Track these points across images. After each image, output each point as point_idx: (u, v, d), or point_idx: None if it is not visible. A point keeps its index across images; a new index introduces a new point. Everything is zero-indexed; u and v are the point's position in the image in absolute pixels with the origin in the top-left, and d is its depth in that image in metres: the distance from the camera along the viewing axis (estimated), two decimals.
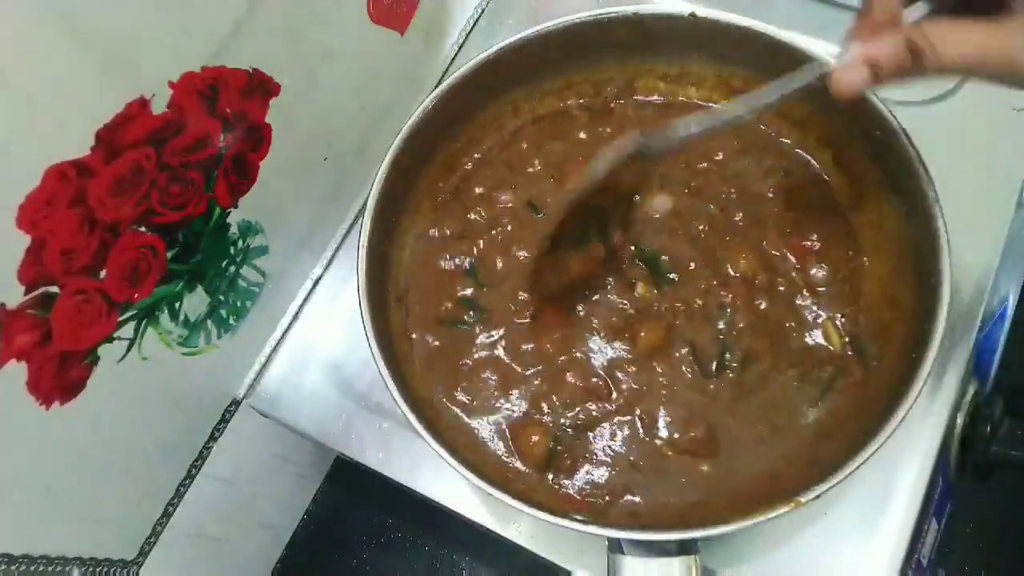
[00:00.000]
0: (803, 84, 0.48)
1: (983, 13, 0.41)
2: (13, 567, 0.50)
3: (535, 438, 0.57)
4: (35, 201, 0.44)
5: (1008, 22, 0.41)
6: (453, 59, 0.79)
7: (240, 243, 0.61)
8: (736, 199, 0.63)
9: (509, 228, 0.64)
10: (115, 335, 0.53)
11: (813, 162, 0.63)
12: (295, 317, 0.71)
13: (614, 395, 0.58)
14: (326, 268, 0.73)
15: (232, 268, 0.62)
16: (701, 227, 0.62)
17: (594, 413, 0.58)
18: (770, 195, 0.63)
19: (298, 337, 0.71)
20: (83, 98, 0.45)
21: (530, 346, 0.60)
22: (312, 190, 0.68)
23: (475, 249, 0.64)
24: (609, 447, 0.57)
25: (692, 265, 0.61)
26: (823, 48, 0.56)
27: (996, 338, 0.69)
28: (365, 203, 0.58)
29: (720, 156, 0.65)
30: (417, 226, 0.64)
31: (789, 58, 0.59)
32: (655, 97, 0.67)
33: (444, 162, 0.65)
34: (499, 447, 0.58)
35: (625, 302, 0.60)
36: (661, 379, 0.58)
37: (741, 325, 0.59)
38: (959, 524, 0.90)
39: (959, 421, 0.61)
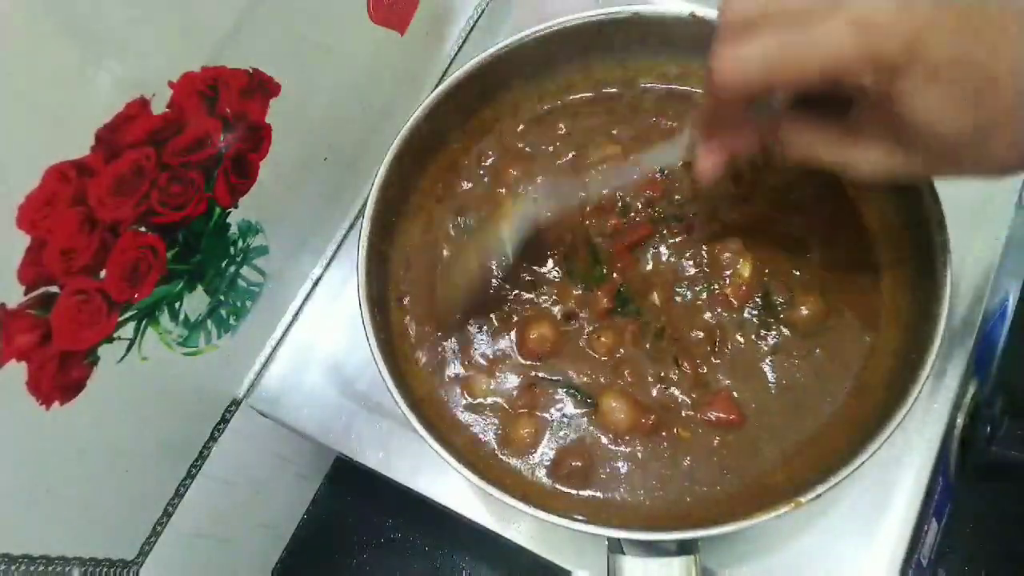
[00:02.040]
0: (666, 163, 0.56)
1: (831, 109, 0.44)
2: (13, 567, 0.50)
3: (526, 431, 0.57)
4: (35, 201, 0.44)
5: (850, 136, 0.44)
6: (453, 59, 0.79)
7: (240, 243, 0.61)
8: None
9: None
10: (115, 335, 0.53)
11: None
12: (295, 317, 0.71)
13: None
14: (326, 268, 0.73)
15: (232, 268, 0.62)
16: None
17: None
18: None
19: (298, 337, 0.71)
20: (83, 98, 0.45)
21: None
22: (312, 190, 0.68)
23: None
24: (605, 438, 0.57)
25: (691, 263, 0.61)
26: None
27: (996, 338, 0.69)
28: (365, 203, 0.58)
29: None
30: (417, 226, 0.64)
31: None
32: (655, 84, 0.67)
33: (444, 162, 0.65)
34: (500, 446, 0.58)
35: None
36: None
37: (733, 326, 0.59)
38: (959, 524, 0.90)
39: (959, 421, 0.61)
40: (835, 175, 0.61)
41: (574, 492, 0.56)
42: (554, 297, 0.61)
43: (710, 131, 0.48)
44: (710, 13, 0.60)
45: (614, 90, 0.67)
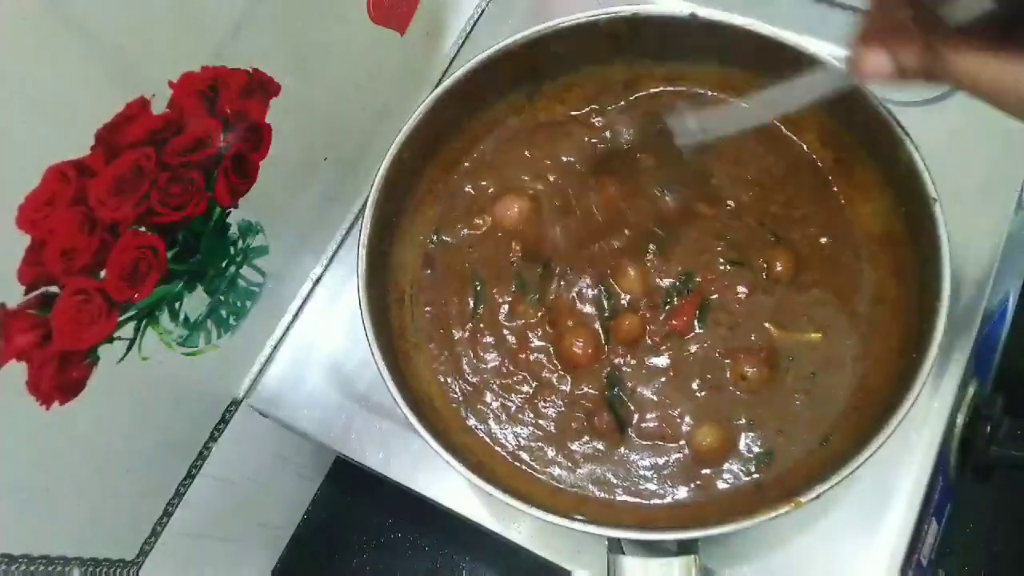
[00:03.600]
0: (826, 90, 0.48)
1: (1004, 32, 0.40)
2: (13, 567, 0.50)
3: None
4: (35, 201, 0.44)
5: (1017, 58, 0.39)
6: (453, 59, 0.79)
7: (240, 243, 0.61)
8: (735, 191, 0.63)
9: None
10: (115, 335, 0.53)
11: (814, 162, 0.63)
12: (295, 317, 0.71)
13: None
14: (326, 268, 0.73)
15: (232, 268, 0.62)
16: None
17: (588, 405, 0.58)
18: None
19: (298, 337, 0.71)
20: (83, 98, 0.45)
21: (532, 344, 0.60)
22: (312, 190, 0.68)
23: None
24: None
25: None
26: (823, 48, 0.56)
27: (996, 338, 0.69)
28: (365, 203, 0.58)
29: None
30: (417, 226, 0.64)
31: (790, 58, 0.59)
32: (655, 84, 0.67)
33: (444, 162, 0.65)
34: (500, 446, 0.58)
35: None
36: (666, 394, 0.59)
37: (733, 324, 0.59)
38: (959, 524, 0.90)
39: (959, 421, 0.61)
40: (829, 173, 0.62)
41: (577, 489, 0.56)
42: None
43: (869, 39, 0.43)
44: (711, 13, 0.60)
45: (614, 90, 0.67)
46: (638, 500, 0.56)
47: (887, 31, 0.43)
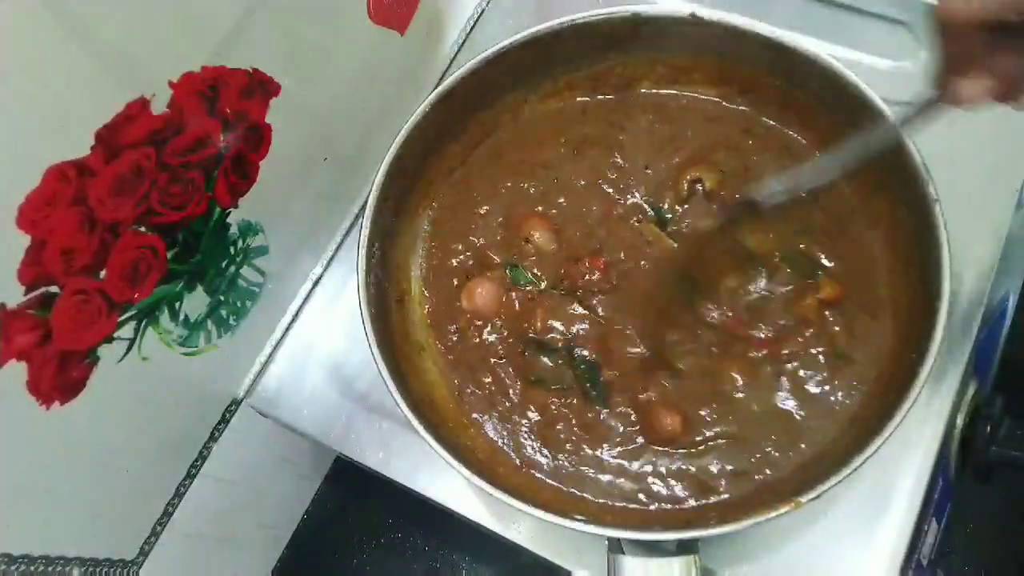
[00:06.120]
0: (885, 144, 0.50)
1: None
2: (13, 567, 0.50)
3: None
4: (35, 201, 0.44)
5: None
6: (453, 59, 0.79)
7: (240, 243, 0.61)
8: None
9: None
10: (115, 335, 0.53)
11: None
12: (295, 317, 0.71)
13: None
14: (326, 268, 0.73)
15: (232, 268, 0.62)
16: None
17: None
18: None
19: (298, 337, 0.71)
20: (83, 98, 0.45)
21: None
22: (312, 190, 0.68)
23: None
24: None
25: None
26: (824, 48, 0.56)
27: (996, 338, 0.69)
28: (365, 203, 0.58)
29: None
30: (418, 226, 0.64)
31: (789, 58, 0.59)
32: (655, 84, 0.67)
33: (444, 162, 0.65)
34: (500, 445, 0.58)
35: None
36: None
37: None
38: (959, 524, 0.90)
39: (959, 421, 0.61)
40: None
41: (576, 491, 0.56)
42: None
43: (957, 71, 0.43)
44: (710, 13, 0.60)
45: (614, 90, 0.67)
46: (637, 499, 0.56)
47: (963, 62, 0.43)
